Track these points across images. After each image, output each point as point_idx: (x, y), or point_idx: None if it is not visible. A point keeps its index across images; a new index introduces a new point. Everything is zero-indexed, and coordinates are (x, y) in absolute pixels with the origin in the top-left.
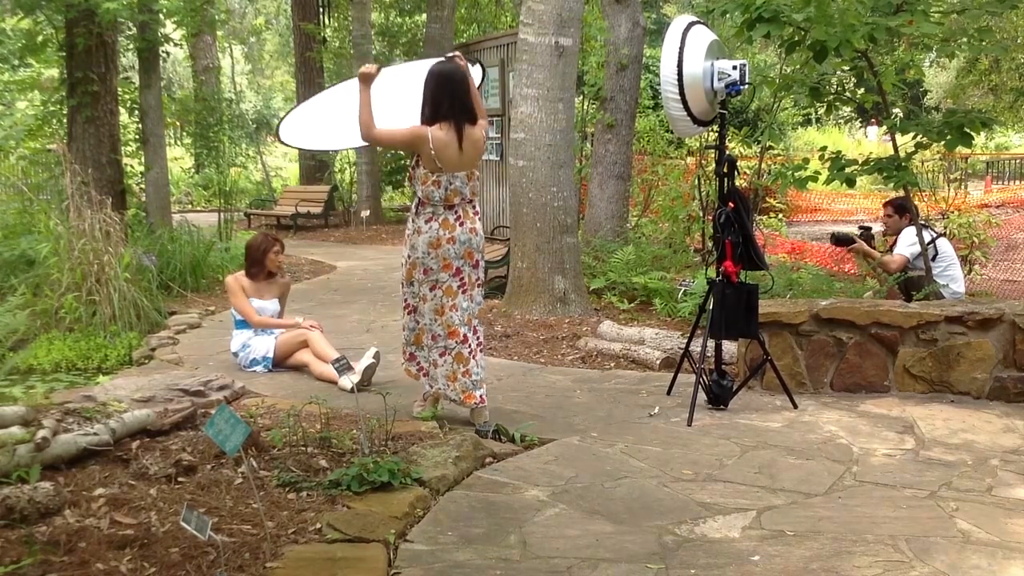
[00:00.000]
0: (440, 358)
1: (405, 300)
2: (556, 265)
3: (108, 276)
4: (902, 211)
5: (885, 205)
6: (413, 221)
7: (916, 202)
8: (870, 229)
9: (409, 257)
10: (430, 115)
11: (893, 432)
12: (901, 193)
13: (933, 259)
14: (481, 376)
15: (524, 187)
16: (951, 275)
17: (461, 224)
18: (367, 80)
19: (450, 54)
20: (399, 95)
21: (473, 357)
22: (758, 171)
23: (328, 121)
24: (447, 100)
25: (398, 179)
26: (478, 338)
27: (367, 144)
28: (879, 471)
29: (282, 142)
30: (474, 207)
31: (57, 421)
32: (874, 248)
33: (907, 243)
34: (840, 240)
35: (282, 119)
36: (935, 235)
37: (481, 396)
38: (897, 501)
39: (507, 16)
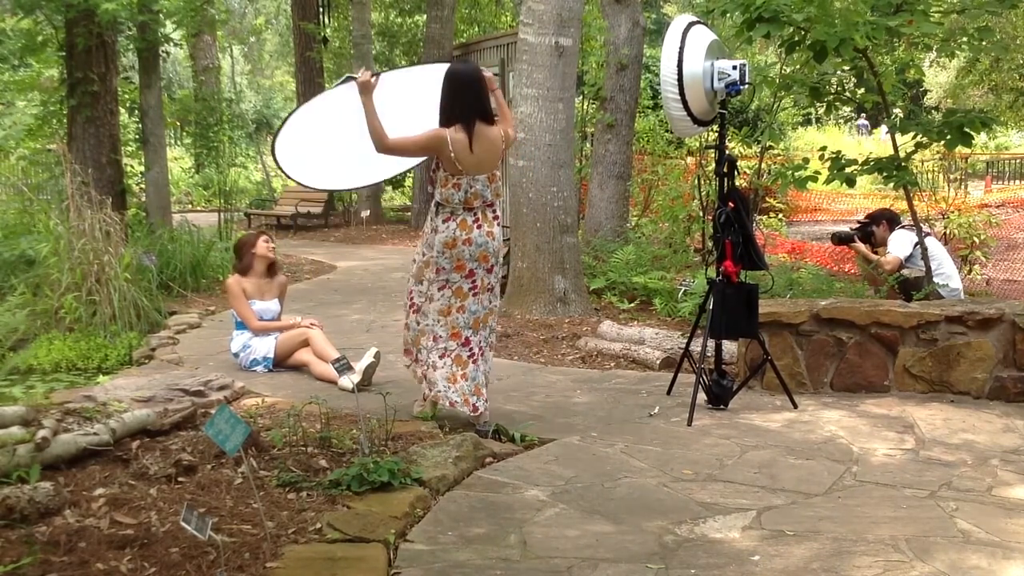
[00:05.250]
0: (440, 360)
1: (411, 299)
2: (556, 265)
3: (108, 276)
4: (877, 221)
5: (866, 225)
6: (431, 220)
7: (916, 202)
8: (869, 225)
9: (424, 255)
10: (446, 117)
11: (893, 432)
12: (900, 193)
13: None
14: (480, 381)
15: (524, 187)
16: (944, 272)
17: (479, 227)
18: (367, 90)
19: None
20: (404, 102)
21: (473, 361)
22: (758, 171)
23: (330, 147)
24: (459, 100)
25: (397, 179)
26: (480, 342)
27: (371, 184)
28: (879, 471)
29: (277, 164)
30: (494, 211)
31: (57, 421)
32: (874, 246)
33: (899, 244)
34: (841, 239)
35: (279, 129)
36: (924, 234)
37: (475, 405)
38: (897, 501)
39: (507, 16)
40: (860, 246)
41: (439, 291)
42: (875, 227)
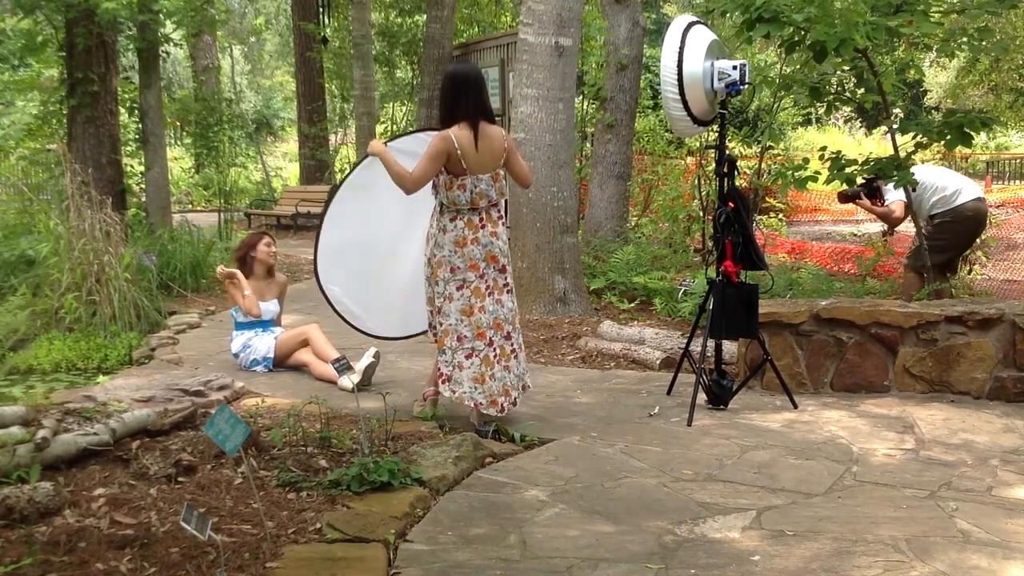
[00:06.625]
0: (466, 360)
1: (431, 300)
2: (556, 265)
3: (108, 276)
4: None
5: (871, 180)
6: (437, 220)
7: None
8: (875, 180)
9: (435, 255)
10: (447, 117)
11: (893, 432)
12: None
13: (915, 191)
14: (508, 383)
15: None
16: (938, 187)
17: (483, 227)
18: (381, 149)
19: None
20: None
21: (498, 362)
22: (758, 171)
23: (378, 290)
24: (462, 99)
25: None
26: (512, 345)
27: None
28: (879, 471)
29: (329, 301)
30: (499, 211)
31: (57, 421)
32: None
33: (893, 190)
34: (848, 197)
35: (318, 240)
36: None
37: (502, 405)
38: (897, 501)
39: (507, 16)
40: (866, 202)
41: (458, 290)
42: (880, 182)
